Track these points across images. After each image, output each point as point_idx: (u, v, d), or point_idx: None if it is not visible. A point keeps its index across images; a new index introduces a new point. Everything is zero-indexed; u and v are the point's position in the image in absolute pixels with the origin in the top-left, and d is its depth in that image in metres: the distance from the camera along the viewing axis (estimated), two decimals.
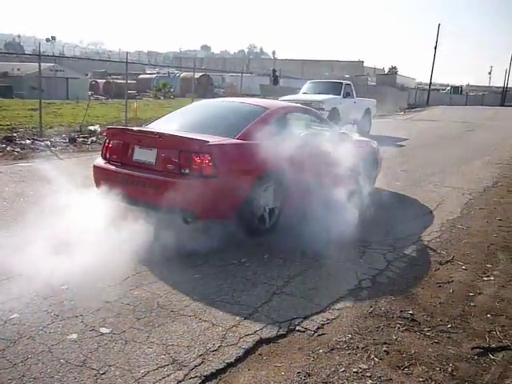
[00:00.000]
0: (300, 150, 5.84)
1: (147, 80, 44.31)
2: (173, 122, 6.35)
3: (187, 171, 5.08)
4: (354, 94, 18.80)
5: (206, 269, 4.67)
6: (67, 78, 32.32)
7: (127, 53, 17.93)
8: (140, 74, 46.51)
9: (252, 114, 6.10)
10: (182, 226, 5.24)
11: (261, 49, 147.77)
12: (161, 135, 5.42)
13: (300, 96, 17.64)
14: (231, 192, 5.22)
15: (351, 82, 19.65)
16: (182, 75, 43.59)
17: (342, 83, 18.67)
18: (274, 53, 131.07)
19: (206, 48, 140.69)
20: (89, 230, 4.92)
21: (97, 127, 14.90)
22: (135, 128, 6.41)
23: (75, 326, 3.49)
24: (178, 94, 39.32)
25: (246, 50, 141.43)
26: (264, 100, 8.12)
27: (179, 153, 5.14)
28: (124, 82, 18.68)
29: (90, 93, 33.15)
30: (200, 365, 3.12)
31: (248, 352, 3.32)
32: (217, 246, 5.16)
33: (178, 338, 3.42)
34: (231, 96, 21.99)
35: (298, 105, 8.21)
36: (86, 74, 41.92)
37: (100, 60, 20.12)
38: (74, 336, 3.36)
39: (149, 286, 4.21)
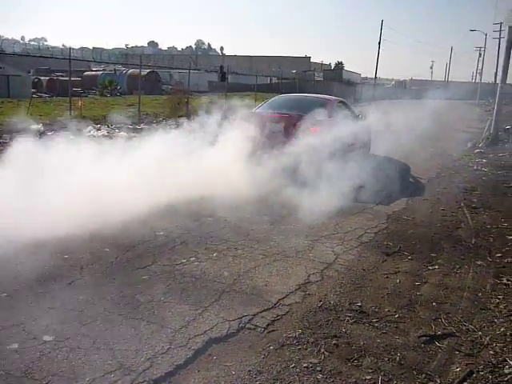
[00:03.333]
0: (350, 125, 9.14)
1: (93, 77, 43.06)
2: (275, 108, 9.80)
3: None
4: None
5: (154, 269, 4.58)
6: (8, 76, 31.06)
7: (70, 49, 17.42)
8: (86, 70, 45.18)
9: (322, 103, 9.76)
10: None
11: (209, 45, 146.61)
12: (285, 115, 9.11)
13: None
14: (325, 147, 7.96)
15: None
16: (128, 72, 42.59)
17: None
18: (221, 49, 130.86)
19: (153, 44, 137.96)
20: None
21: (40, 126, 14.35)
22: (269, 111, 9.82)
23: (16, 335, 3.34)
24: (125, 91, 38.37)
25: (194, 46, 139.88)
26: (322, 95, 11.57)
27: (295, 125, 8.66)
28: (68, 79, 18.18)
29: (33, 90, 32.04)
30: (148, 369, 3.05)
31: (198, 353, 3.27)
32: (166, 244, 5.09)
33: (125, 342, 3.33)
34: (179, 92, 22.05)
35: (339, 98, 11.46)
36: (29, 72, 40.45)
37: (42, 57, 19.38)
38: (15, 346, 3.22)
39: (95, 289, 4.07)
